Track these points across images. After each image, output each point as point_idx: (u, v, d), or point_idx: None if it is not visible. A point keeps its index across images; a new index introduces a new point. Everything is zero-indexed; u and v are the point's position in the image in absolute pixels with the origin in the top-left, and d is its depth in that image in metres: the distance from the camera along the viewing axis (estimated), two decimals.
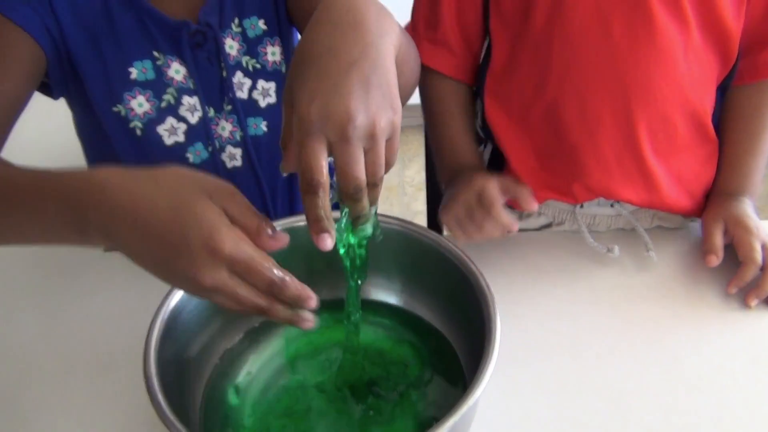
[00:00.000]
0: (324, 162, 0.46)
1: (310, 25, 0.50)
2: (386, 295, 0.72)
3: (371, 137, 0.47)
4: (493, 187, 0.73)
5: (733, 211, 0.79)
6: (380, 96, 0.47)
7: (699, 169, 0.83)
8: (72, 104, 0.82)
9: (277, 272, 0.48)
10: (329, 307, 0.58)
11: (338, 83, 0.46)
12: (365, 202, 0.49)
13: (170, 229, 0.46)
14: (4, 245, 0.56)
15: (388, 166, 0.50)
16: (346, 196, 0.48)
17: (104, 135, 0.80)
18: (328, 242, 0.47)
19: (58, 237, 0.51)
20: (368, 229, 0.53)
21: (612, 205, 0.85)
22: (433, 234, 0.66)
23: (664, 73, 0.74)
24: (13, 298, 0.82)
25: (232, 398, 0.64)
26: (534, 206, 0.73)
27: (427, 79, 0.85)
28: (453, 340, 0.67)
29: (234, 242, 0.46)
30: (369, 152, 0.47)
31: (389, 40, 0.51)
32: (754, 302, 0.73)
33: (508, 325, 0.56)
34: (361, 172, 0.47)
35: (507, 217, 0.72)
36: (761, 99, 0.80)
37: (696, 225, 0.87)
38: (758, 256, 0.74)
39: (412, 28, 0.85)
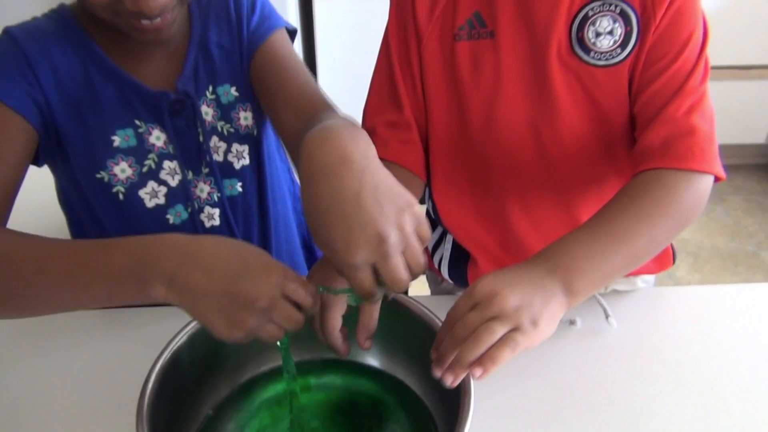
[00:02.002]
0: (372, 284, 0.54)
1: (305, 179, 0.55)
2: (365, 357, 0.75)
3: (404, 241, 0.53)
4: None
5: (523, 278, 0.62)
6: (393, 204, 0.53)
7: None
8: (56, 172, 0.85)
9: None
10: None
11: (355, 219, 0.52)
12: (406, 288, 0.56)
13: (235, 261, 0.55)
14: (63, 308, 0.62)
15: (425, 241, 0.56)
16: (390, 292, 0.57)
17: (87, 200, 0.83)
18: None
19: (118, 290, 0.57)
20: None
21: None
22: (410, 300, 0.70)
23: (590, 165, 0.80)
24: (8, 345, 0.83)
25: None
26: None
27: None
28: (429, 403, 0.71)
29: (285, 267, 0.56)
30: (405, 252, 0.54)
31: (371, 152, 0.56)
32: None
33: (479, 386, 0.59)
34: (406, 275, 0.54)
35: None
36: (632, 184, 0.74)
37: (646, 286, 0.93)
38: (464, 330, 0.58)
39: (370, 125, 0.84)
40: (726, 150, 2.76)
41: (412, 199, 0.55)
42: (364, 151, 0.55)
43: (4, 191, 0.71)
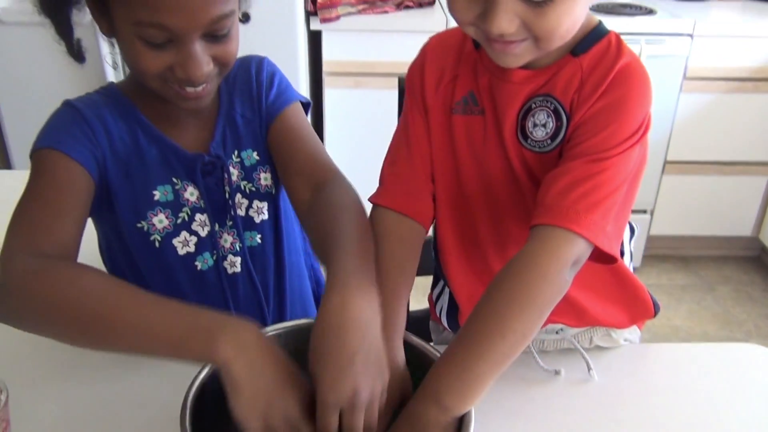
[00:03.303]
0: (335, 427, 0.66)
1: (318, 326, 0.68)
2: None
3: (370, 402, 0.68)
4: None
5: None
6: (375, 369, 0.68)
7: (612, 282, 0.94)
8: (101, 223, 0.96)
9: None
10: None
11: (345, 371, 0.66)
12: None
13: (278, 377, 0.66)
14: (118, 349, 0.72)
15: (381, 406, 0.70)
16: None
17: (126, 248, 0.94)
18: None
19: (165, 346, 0.67)
20: None
21: (557, 332, 0.99)
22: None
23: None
24: (33, 383, 0.89)
25: None
26: None
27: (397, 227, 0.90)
28: None
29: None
30: (366, 410, 0.67)
31: (375, 324, 0.69)
32: None
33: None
34: (361, 429, 0.67)
35: None
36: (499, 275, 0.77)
37: (629, 345, 1.00)
38: None
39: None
40: (715, 242, 2.87)
41: (386, 368, 0.70)
42: (369, 318, 0.69)
43: (77, 232, 0.82)
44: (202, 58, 0.80)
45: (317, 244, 0.85)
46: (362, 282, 0.70)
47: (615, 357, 0.98)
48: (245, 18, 0.91)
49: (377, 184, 0.92)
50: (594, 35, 0.81)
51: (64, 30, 0.86)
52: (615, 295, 0.97)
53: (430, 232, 0.98)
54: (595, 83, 0.78)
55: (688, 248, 2.82)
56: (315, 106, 2.41)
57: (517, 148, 0.85)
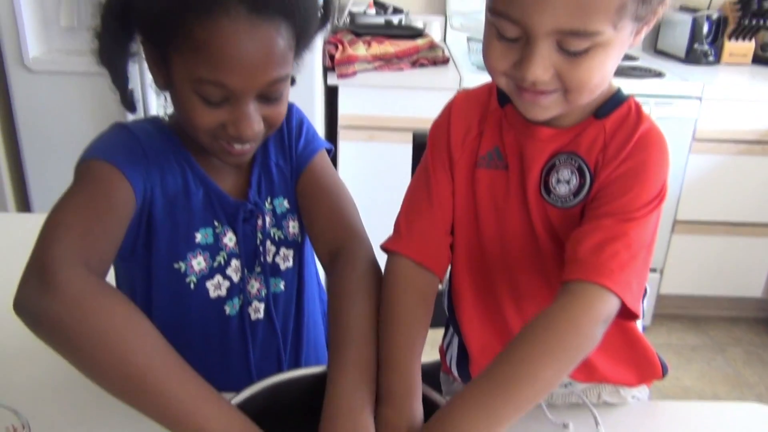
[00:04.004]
0: None
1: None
2: None
3: None
4: None
5: None
6: None
7: (621, 341, 0.95)
8: (127, 260, 0.94)
9: None
10: None
11: None
12: None
13: None
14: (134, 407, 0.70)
15: None
16: None
17: (149, 287, 0.94)
18: None
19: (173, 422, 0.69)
20: None
21: (565, 386, 1.00)
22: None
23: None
24: (56, 422, 0.88)
25: None
26: None
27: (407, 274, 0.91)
28: None
29: None
30: None
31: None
32: None
33: None
34: None
35: None
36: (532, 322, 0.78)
37: (637, 402, 1.01)
38: None
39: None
40: (725, 302, 2.86)
41: None
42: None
43: (115, 254, 0.81)
44: (255, 118, 0.83)
45: (328, 325, 0.87)
46: (354, 406, 0.73)
47: (623, 413, 0.98)
48: (292, 82, 0.94)
49: (390, 233, 0.94)
50: (615, 100, 0.85)
51: (120, 80, 0.89)
52: (624, 355, 0.97)
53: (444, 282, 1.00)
54: (618, 146, 0.82)
55: (699, 308, 2.81)
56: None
57: (540, 202, 0.87)
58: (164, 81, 0.86)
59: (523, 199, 0.89)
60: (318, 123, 2.31)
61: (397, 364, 0.80)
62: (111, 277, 0.98)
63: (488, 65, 0.81)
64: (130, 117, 2.03)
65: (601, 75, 0.77)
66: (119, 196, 0.82)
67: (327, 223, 0.96)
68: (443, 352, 1.09)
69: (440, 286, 0.97)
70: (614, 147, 0.83)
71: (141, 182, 0.85)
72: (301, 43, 0.86)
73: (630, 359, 0.98)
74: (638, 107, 0.86)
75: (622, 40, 0.76)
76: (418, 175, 0.97)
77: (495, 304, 0.96)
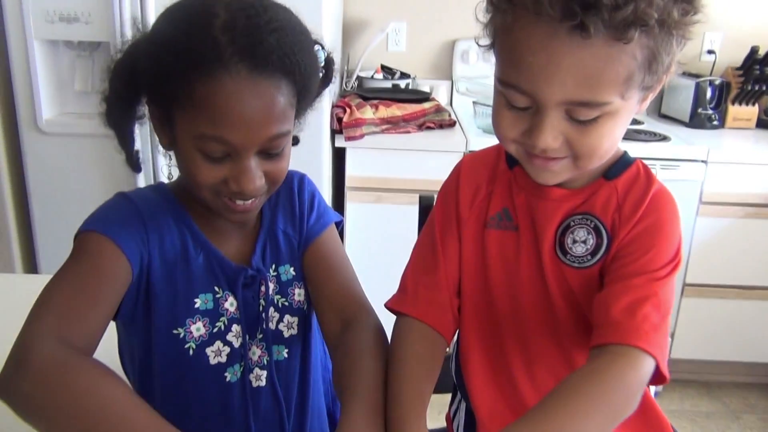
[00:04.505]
0: None
1: None
2: None
3: None
4: None
5: None
6: None
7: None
8: (128, 326, 0.94)
9: None
10: None
11: None
12: None
13: None
14: None
15: None
16: None
17: (149, 355, 0.92)
18: None
19: None
20: None
21: None
22: None
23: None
24: None
25: None
26: None
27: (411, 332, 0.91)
28: None
29: None
30: None
31: None
32: None
33: None
34: None
35: None
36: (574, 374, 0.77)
37: None
38: None
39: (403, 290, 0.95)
40: (738, 367, 2.81)
41: None
42: None
43: (105, 325, 0.81)
44: (256, 173, 0.84)
45: (336, 379, 0.87)
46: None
47: None
48: (295, 141, 0.96)
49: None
50: (623, 162, 0.87)
51: (126, 141, 0.91)
52: (635, 421, 0.94)
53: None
54: (633, 206, 0.84)
55: (711, 373, 2.75)
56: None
57: (555, 263, 0.87)
58: (168, 140, 0.87)
59: (536, 260, 0.88)
60: (326, 184, 2.33)
61: (403, 422, 0.78)
62: (113, 345, 0.99)
63: (498, 133, 0.82)
64: (140, 178, 2.07)
65: (610, 142, 0.78)
66: (112, 269, 0.83)
67: (336, 296, 0.96)
68: (450, 419, 1.07)
69: (447, 350, 0.96)
70: (629, 206, 0.84)
71: (137, 251, 0.86)
72: (302, 101, 0.88)
73: (641, 427, 0.95)
74: (646, 168, 0.87)
75: (630, 108, 0.77)
76: (424, 235, 0.97)
77: (504, 368, 0.94)
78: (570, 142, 0.77)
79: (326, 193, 2.35)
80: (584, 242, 0.85)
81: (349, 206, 2.44)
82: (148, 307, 0.90)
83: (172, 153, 0.89)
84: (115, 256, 0.84)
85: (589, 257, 0.85)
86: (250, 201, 0.88)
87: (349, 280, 0.98)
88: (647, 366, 0.75)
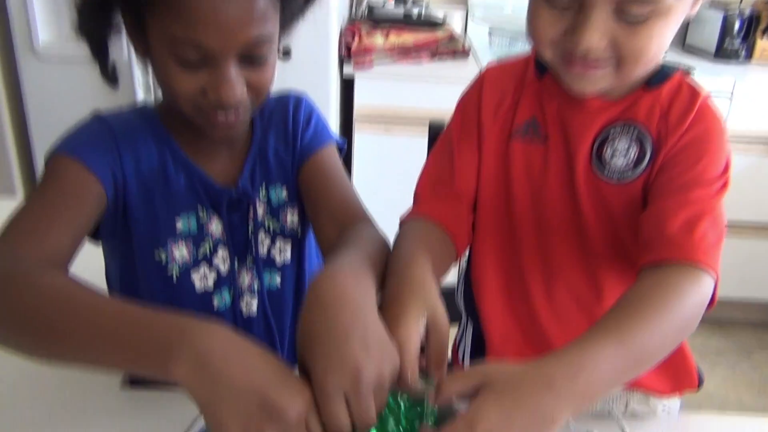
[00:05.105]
0: (345, 418, 0.57)
1: (306, 308, 0.62)
2: None
3: (378, 384, 0.58)
4: (408, 351, 0.62)
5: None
6: (378, 349, 0.59)
7: None
8: (111, 249, 0.92)
9: None
10: None
11: (341, 353, 0.57)
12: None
13: (274, 368, 0.57)
14: (89, 366, 0.64)
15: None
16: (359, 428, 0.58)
17: (135, 279, 0.89)
18: None
19: (140, 356, 0.59)
20: None
21: None
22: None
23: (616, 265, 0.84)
24: (27, 424, 0.84)
25: None
26: (441, 379, 0.63)
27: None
28: None
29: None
30: (378, 397, 0.58)
31: (370, 300, 0.63)
32: None
33: None
34: (373, 417, 0.58)
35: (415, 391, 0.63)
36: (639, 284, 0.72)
37: (667, 415, 0.93)
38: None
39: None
40: (752, 306, 2.77)
41: (397, 356, 0.61)
42: (364, 294, 0.63)
43: (73, 245, 0.77)
44: (236, 81, 0.78)
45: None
46: (357, 270, 0.65)
47: (652, 426, 0.91)
48: (286, 53, 0.90)
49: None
50: (664, 72, 0.81)
51: (99, 52, 0.86)
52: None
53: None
54: (679, 115, 0.78)
55: (724, 311, 2.71)
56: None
57: (591, 178, 0.82)
58: (143, 48, 0.82)
59: (566, 175, 0.83)
60: (333, 114, 2.26)
61: (419, 280, 0.69)
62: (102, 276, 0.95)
63: (534, 34, 0.75)
64: (139, 99, 2.01)
65: (659, 45, 0.72)
66: (79, 190, 0.80)
67: (335, 209, 0.90)
68: (455, 347, 1.03)
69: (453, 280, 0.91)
70: (675, 115, 0.78)
71: (109, 172, 0.83)
72: (287, 4, 0.82)
73: (667, 364, 0.90)
74: (690, 78, 0.82)
75: (683, 8, 0.71)
76: (439, 149, 0.91)
77: (521, 289, 0.89)
78: (616, 44, 0.71)
79: (334, 124, 2.28)
80: (625, 154, 0.80)
81: (358, 137, 2.37)
82: (127, 229, 0.87)
83: (148, 63, 0.83)
84: (83, 177, 0.80)
85: (630, 171, 0.80)
86: (232, 115, 0.82)
87: (349, 196, 0.92)
88: (707, 285, 0.71)
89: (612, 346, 0.62)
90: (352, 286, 0.62)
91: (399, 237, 0.81)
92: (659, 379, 0.92)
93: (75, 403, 0.87)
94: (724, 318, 2.72)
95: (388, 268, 0.74)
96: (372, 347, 0.58)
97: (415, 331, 0.63)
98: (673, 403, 0.96)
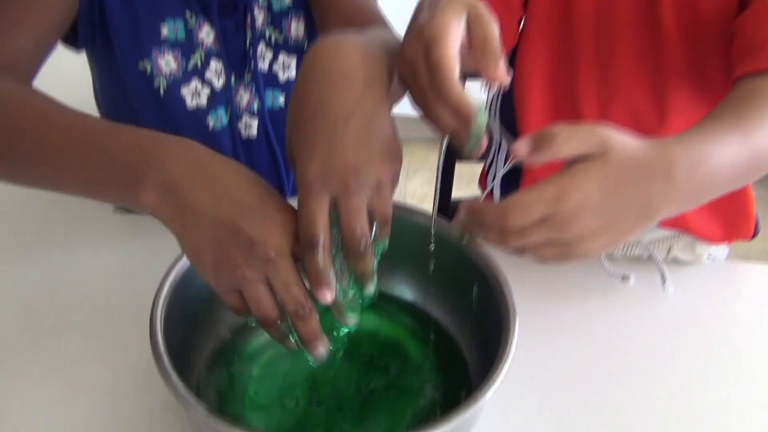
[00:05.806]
0: (323, 220, 0.46)
1: (300, 79, 0.49)
2: (402, 291, 0.70)
3: (376, 188, 0.46)
4: (446, 41, 0.46)
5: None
6: (380, 146, 0.47)
7: None
8: (95, 59, 0.82)
9: (310, 303, 0.47)
10: None
11: (335, 138, 0.46)
12: (369, 258, 0.48)
13: (251, 195, 0.48)
14: (42, 184, 0.56)
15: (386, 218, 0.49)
16: (350, 252, 0.47)
17: (125, 95, 0.79)
18: (327, 295, 0.47)
19: (103, 181, 0.50)
20: (371, 288, 0.50)
21: None
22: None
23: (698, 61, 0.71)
24: (19, 244, 0.81)
25: (238, 366, 0.62)
26: (503, 78, 0.48)
27: None
28: (462, 341, 0.66)
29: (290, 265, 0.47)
30: (373, 199, 0.47)
31: (380, 85, 0.49)
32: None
33: (519, 336, 0.53)
34: (365, 226, 0.47)
35: (461, 96, 0.45)
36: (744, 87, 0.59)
37: (712, 263, 0.85)
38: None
39: None
40: None
41: (400, 157, 0.49)
42: (377, 75, 0.49)
43: (35, 50, 0.67)
44: None
45: None
46: (368, 46, 0.50)
47: (695, 274, 0.82)
48: None
49: None
50: None
51: None
52: (717, 201, 0.81)
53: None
54: None
55: None
56: None
57: None
58: None
59: None
60: None
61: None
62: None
63: None
64: None
65: None
66: None
67: (346, 12, 0.76)
68: (484, 175, 0.93)
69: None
70: None
71: None
72: None
73: (723, 208, 0.80)
74: None
75: None
76: None
77: (572, 100, 0.78)
78: None
79: None
80: None
81: None
82: (107, 37, 0.75)
83: None
84: None
85: None
86: None
87: None
88: None
89: (735, 143, 0.51)
90: (361, 60, 0.49)
91: None
92: (712, 223, 0.81)
93: (67, 226, 0.82)
94: None
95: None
96: (374, 139, 0.47)
97: (454, 19, 0.47)
98: (721, 251, 0.86)
